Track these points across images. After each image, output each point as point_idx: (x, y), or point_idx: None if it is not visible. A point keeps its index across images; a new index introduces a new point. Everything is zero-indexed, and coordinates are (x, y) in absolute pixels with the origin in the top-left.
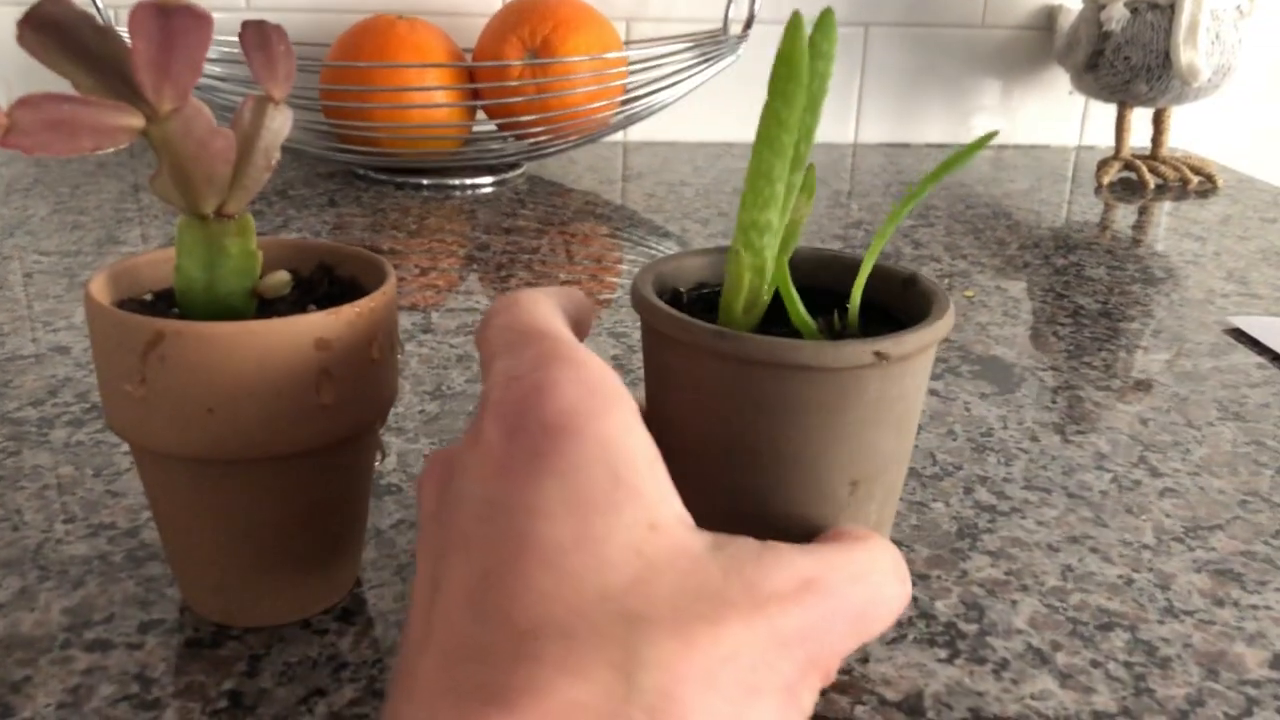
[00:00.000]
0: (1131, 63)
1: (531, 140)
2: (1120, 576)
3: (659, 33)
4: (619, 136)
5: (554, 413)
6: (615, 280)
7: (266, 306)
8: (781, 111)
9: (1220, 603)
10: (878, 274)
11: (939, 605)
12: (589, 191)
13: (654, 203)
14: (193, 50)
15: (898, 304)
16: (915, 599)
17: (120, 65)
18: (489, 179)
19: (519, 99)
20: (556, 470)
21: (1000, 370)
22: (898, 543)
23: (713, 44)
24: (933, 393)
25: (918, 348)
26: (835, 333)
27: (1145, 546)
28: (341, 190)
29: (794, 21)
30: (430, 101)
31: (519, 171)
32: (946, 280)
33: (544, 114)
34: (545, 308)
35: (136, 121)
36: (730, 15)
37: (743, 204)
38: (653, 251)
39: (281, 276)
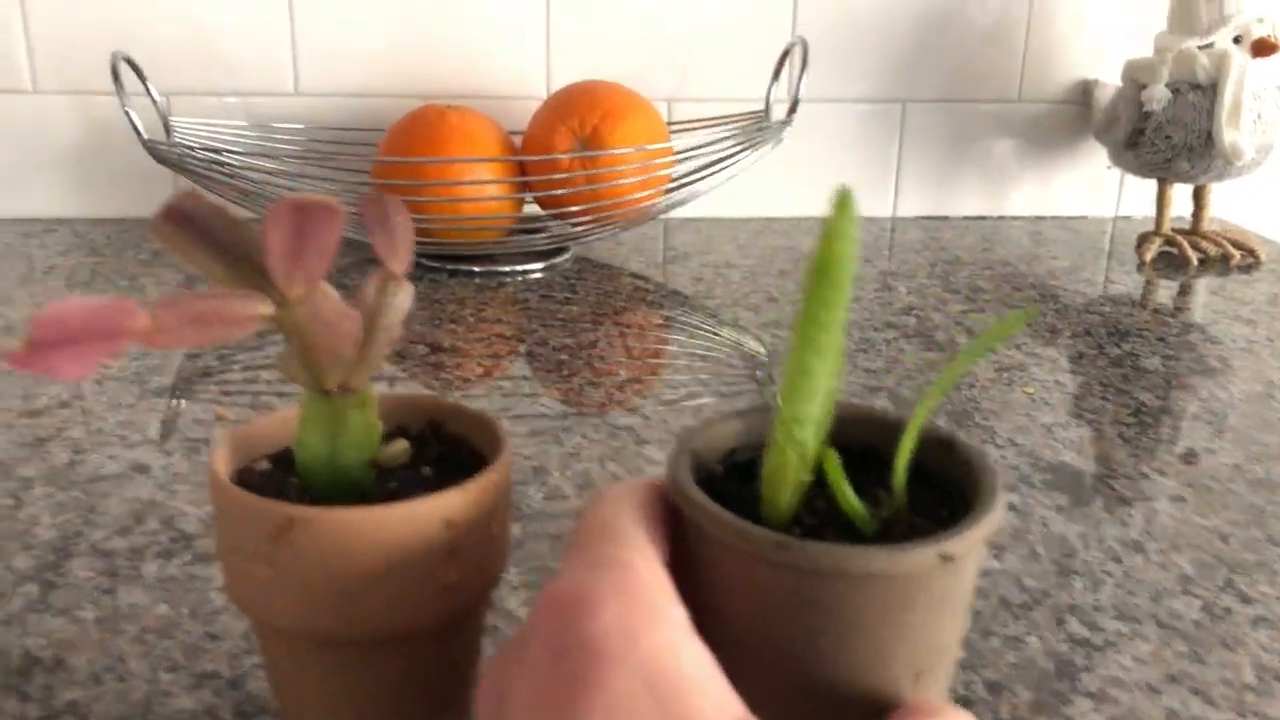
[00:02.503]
0: (1173, 142)
1: (578, 225)
2: None
3: (700, 113)
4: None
5: (596, 634)
6: (678, 378)
7: (384, 473)
8: (821, 315)
9: None
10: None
11: None
12: (637, 275)
13: (703, 287)
14: (324, 240)
15: (936, 465)
16: None
17: (250, 253)
18: (538, 264)
19: (568, 190)
20: (599, 705)
21: (1072, 479)
22: (997, 684)
23: (756, 128)
24: (1011, 506)
25: (983, 541)
26: (884, 515)
27: (1247, 687)
28: None
29: (832, 230)
30: (482, 194)
31: (566, 255)
32: (1005, 375)
33: (593, 203)
34: (622, 507)
35: (266, 309)
36: (772, 96)
37: (783, 395)
38: (708, 344)
39: (400, 446)
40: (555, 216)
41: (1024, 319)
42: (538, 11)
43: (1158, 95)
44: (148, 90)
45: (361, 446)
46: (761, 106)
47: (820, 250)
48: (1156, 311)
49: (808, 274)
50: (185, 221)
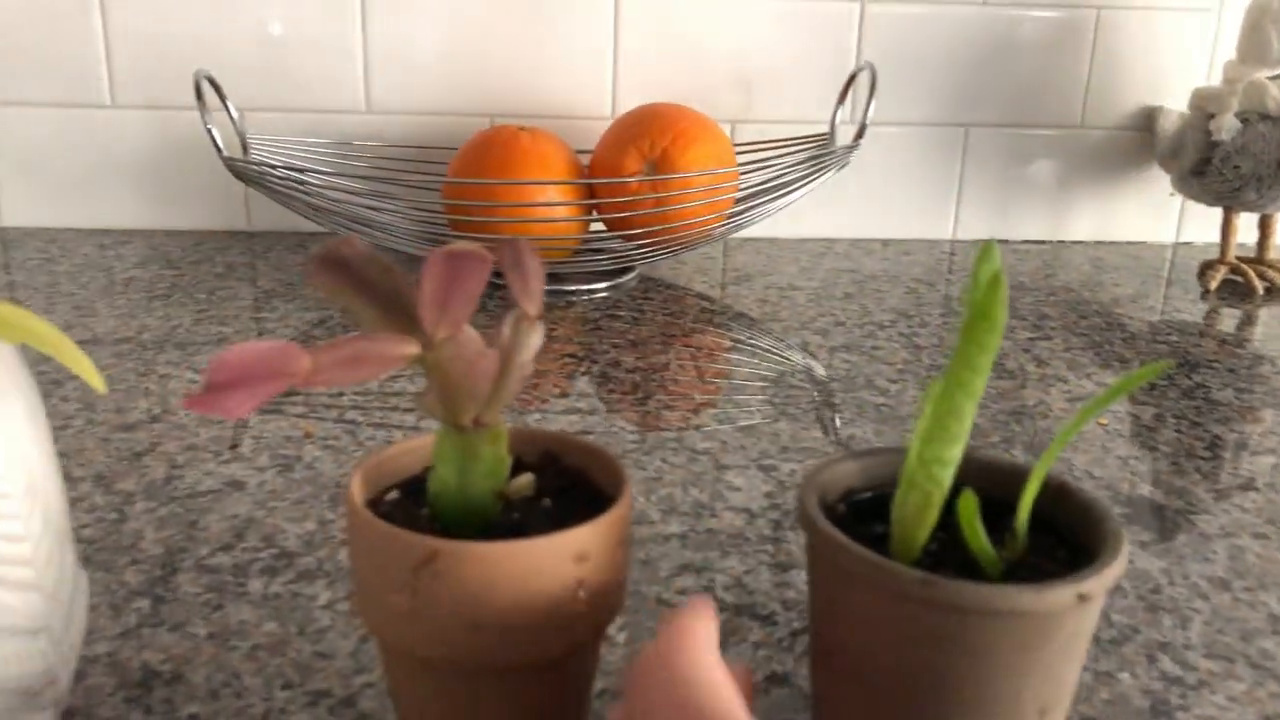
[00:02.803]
0: (1241, 171)
1: (644, 246)
2: None
3: (764, 135)
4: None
5: None
6: (751, 401)
7: (508, 504)
8: (976, 358)
9: None
10: (1024, 477)
11: None
12: (701, 296)
13: (769, 309)
14: (471, 287)
15: (1048, 510)
16: None
17: (399, 298)
18: (603, 284)
19: (636, 212)
20: None
21: (1153, 513)
22: (1091, 719)
23: (821, 151)
24: None
25: (1114, 582)
26: (1006, 557)
27: None
28: None
29: (995, 279)
30: (552, 216)
31: (631, 275)
32: (1078, 405)
33: (661, 225)
34: (703, 656)
35: (413, 350)
36: (837, 119)
37: (926, 437)
38: (781, 368)
39: (526, 480)
40: (622, 237)
41: (1161, 369)
42: (605, 33)
43: (1227, 125)
44: (226, 107)
45: (491, 479)
46: (826, 129)
47: (978, 295)
48: (1224, 342)
49: (965, 317)
50: (340, 267)
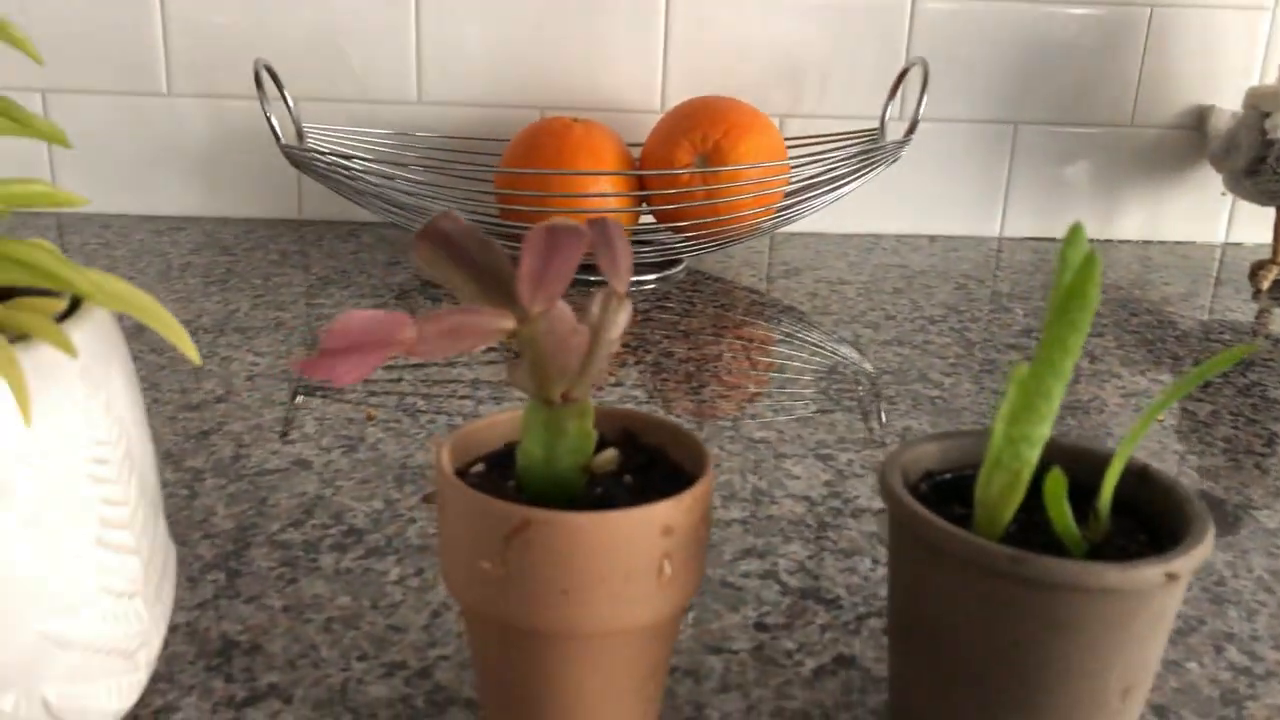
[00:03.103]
0: None
1: (693, 239)
2: None
3: (812, 129)
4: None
5: None
6: (804, 392)
7: (592, 479)
8: (1069, 338)
9: None
10: (1106, 461)
11: None
12: (750, 289)
13: (819, 303)
14: (567, 262)
15: (1130, 495)
16: None
17: (497, 272)
18: (652, 276)
19: (687, 204)
20: None
21: (1213, 507)
22: (1161, 707)
23: (870, 146)
24: None
25: (1200, 563)
26: (1090, 538)
27: None
28: None
29: (1089, 260)
30: (605, 207)
31: (680, 267)
32: (1133, 400)
33: (711, 218)
34: None
35: (510, 324)
36: (887, 115)
37: (1012, 418)
38: (833, 360)
39: (610, 454)
40: (671, 229)
41: (1244, 353)
42: (655, 26)
43: None
44: (283, 96)
45: (577, 453)
46: (874, 124)
47: (1073, 277)
48: (1279, 342)
49: (1057, 299)
50: (443, 241)
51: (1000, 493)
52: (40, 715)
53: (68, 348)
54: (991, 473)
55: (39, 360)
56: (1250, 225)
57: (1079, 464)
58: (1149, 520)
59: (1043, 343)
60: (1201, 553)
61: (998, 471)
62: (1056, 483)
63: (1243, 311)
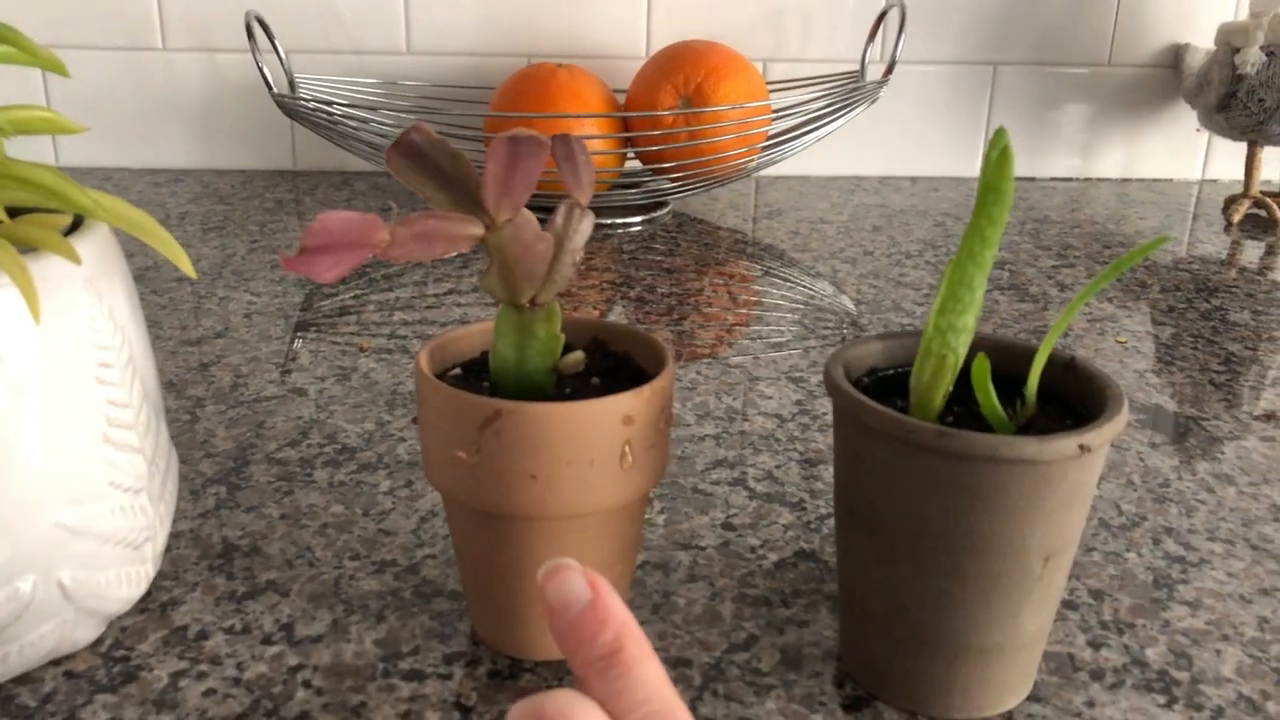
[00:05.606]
0: (1265, 104)
1: (678, 180)
2: None
3: (795, 73)
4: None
5: None
6: (782, 324)
7: (561, 380)
8: (987, 230)
9: None
10: (1034, 352)
11: (1149, 653)
12: (734, 229)
13: (799, 240)
14: (530, 171)
15: (1058, 385)
16: (1126, 646)
17: (466, 183)
18: (638, 218)
19: (670, 145)
20: None
21: (1166, 419)
22: (1100, 591)
23: (851, 88)
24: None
25: (1113, 437)
26: (1018, 420)
27: None
28: None
29: (1004, 154)
30: (591, 149)
31: (666, 210)
32: (1098, 325)
33: (694, 159)
34: None
35: (479, 230)
36: (867, 57)
37: (940, 309)
38: (810, 293)
39: (577, 356)
40: (656, 172)
41: (1158, 243)
42: None
43: (1251, 58)
44: (275, 48)
45: (546, 354)
46: (856, 67)
47: (990, 172)
48: (1244, 270)
49: (979, 194)
50: (414, 153)
51: (930, 378)
52: (57, 596)
53: (73, 255)
54: (923, 361)
55: (47, 270)
56: (1227, 161)
57: (1013, 358)
58: (1076, 408)
59: (964, 236)
60: (1113, 428)
61: (928, 359)
62: (982, 366)
63: (1214, 244)
